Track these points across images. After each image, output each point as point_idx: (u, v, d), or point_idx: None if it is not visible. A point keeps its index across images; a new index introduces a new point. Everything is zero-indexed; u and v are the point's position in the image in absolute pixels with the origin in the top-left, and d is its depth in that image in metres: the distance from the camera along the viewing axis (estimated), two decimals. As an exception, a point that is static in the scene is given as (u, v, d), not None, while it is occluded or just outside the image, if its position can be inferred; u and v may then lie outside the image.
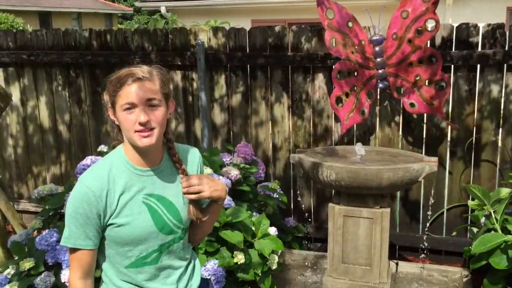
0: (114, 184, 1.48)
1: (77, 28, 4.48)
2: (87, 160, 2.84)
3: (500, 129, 3.22)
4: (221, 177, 2.90)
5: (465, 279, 2.80)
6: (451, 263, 3.40)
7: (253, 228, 2.69)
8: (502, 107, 3.20)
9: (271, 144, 3.73)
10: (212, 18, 7.80)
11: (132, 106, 1.42)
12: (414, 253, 3.54)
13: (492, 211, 2.54)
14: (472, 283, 2.76)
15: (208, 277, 2.39)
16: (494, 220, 2.51)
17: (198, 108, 3.80)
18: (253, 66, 3.66)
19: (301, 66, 3.53)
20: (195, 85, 3.82)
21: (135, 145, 1.49)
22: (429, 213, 3.30)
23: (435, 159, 2.63)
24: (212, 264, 2.44)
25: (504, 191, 2.59)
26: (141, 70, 1.46)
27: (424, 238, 3.42)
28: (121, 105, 1.43)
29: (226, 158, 3.22)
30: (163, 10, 10.19)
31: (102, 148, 3.26)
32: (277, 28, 3.55)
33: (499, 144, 3.25)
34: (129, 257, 1.52)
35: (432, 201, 3.25)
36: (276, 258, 2.69)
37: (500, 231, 2.48)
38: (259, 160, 3.55)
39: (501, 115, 3.21)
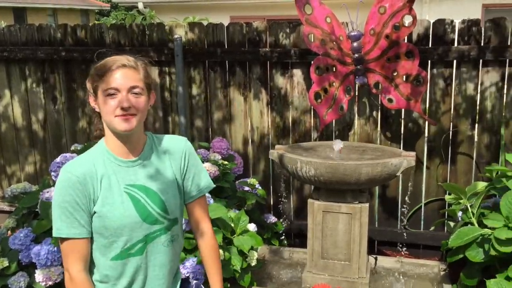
0: (97, 173, 1.49)
1: (52, 24, 4.38)
2: (62, 157, 2.78)
3: (476, 125, 3.26)
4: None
5: (442, 273, 2.83)
6: (429, 257, 3.43)
7: (232, 225, 2.67)
8: (478, 103, 3.24)
9: (250, 140, 3.71)
10: (191, 14, 7.71)
11: (115, 92, 1.44)
12: (393, 248, 3.57)
13: (468, 205, 2.57)
14: (450, 276, 2.79)
15: (187, 275, 2.36)
16: (471, 214, 2.54)
17: (176, 104, 3.76)
18: (231, 62, 3.63)
19: (280, 62, 3.52)
20: (172, 81, 3.78)
21: (114, 131, 1.49)
22: (405, 206, 3.33)
23: (412, 153, 2.65)
24: (191, 262, 2.41)
25: (480, 185, 2.62)
26: (127, 58, 1.49)
27: (404, 234, 3.44)
28: (104, 89, 1.45)
29: (203, 154, 3.18)
30: (140, 6, 10.07)
31: (76, 146, 3.20)
32: (255, 24, 3.53)
33: (475, 139, 3.29)
34: (114, 248, 1.51)
35: (409, 196, 3.28)
36: (256, 254, 2.67)
37: (476, 225, 2.51)
38: (236, 155, 3.52)
39: (477, 111, 3.25)
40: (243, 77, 3.64)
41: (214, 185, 1.74)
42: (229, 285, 2.67)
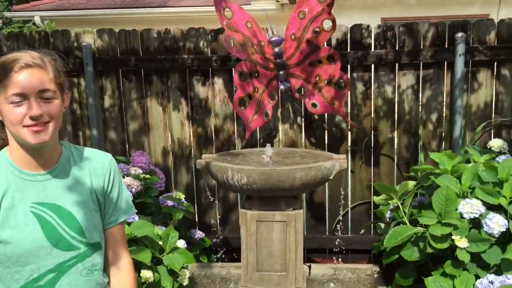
0: None
1: None
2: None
3: (396, 127, 3.33)
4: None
5: (376, 275, 2.81)
6: (358, 261, 3.43)
7: (161, 243, 2.46)
8: (396, 105, 3.31)
9: (171, 152, 3.51)
10: (95, 28, 7.34)
11: (21, 98, 1.18)
12: (322, 255, 3.53)
13: (400, 204, 2.58)
14: (384, 278, 2.79)
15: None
16: (403, 213, 2.55)
17: (87, 117, 3.46)
18: (147, 70, 3.42)
19: (200, 69, 3.37)
20: (82, 92, 3.47)
21: (23, 144, 1.23)
22: (339, 211, 3.31)
23: (343, 156, 2.62)
24: (117, 286, 2.16)
25: (410, 184, 2.65)
26: (31, 55, 1.22)
27: (333, 240, 3.42)
28: (6, 96, 1.19)
29: (122, 169, 2.93)
30: (37, 20, 9.39)
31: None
32: (172, 30, 3.36)
33: (396, 141, 3.36)
34: (17, 280, 1.24)
35: (338, 200, 3.27)
36: (187, 273, 2.48)
37: (408, 224, 2.52)
38: (158, 170, 3.31)
39: (396, 113, 3.32)
40: (161, 86, 3.44)
41: (135, 210, 1.52)
42: (159, 309, 2.44)
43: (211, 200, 3.50)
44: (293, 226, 2.55)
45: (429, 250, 2.26)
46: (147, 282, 2.21)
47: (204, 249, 3.29)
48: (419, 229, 2.42)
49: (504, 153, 2.86)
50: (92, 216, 1.33)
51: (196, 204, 3.52)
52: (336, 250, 3.41)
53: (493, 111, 3.25)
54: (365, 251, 3.46)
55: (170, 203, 3.05)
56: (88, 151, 1.40)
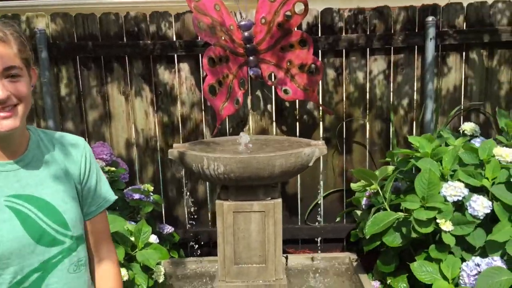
0: None
1: None
2: None
3: (368, 113, 3.29)
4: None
5: (355, 263, 2.75)
6: (332, 250, 3.37)
7: (132, 238, 2.29)
8: (368, 91, 3.26)
9: (134, 143, 3.31)
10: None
11: None
12: (295, 245, 3.45)
13: (379, 189, 2.52)
14: (363, 266, 2.73)
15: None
16: (383, 198, 2.49)
17: (42, 107, 3.21)
18: (108, 57, 3.21)
19: (164, 55, 3.19)
20: (36, 81, 3.22)
21: None
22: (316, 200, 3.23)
23: (321, 142, 2.53)
24: (88, 287, 1.98)
25: (390, 169, 2.60)
26: None
27: (306, 229, 3.34)
28: None
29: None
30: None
31: None
32: (133, 13, 3.16)
33: (367, 128, 3.31)
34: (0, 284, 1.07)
35: (312, 189, 3.18)
36: (162, 269, 2.32)
37: (388, 209, 2.46)
38: (120, 161, 3.10)
39: (368, 99, 3.27)
40: (122, 73, 3.23)
41: (116, 197, 1.36)
42: (132, 310, 2.27)
43: (180, 192, 3.34)
44: (272, 216, 2.45)
45: (414, 235, 2.21)
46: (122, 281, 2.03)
47: (174, 244, 3.13)
48: (401, 214, 2.37)
49: (477, 136, 2.86)
50: (73, 206, 1.18)
51: (163, 198, 3.35)
52: (308, 240, 3.35)
53: (463, 95, 3.26)
54: (338, 239, 3.41)
55: (136, 196, 2.87)
56: (58, 136, 1.24)
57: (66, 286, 1.16)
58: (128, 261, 2.21)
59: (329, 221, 3.39)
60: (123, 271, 2.04)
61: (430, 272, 2.14)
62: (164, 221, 3.36)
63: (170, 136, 3.30)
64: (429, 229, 2.18)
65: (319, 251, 3.27)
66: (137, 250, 2.25)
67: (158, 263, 2.35)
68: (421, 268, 2.17)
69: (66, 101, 3.26)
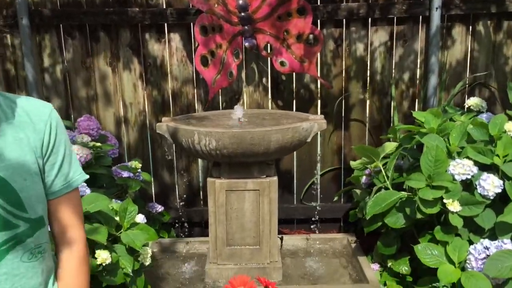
0: None
1: None
2: None
3: (368, 88, 3.13)
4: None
5: (353, 245, 2.63)
6: (328, 231, 3.25)
7: (117, 218, 2.13)
8: (368, 64, 3.10)
9: (123, 119, 3.14)
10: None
11: None
12: (290, 225, 3.32)
13: (382, 168, 2.37)
14: (361, 247, 2.60)
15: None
16: (385, 177, 2.35)
17: (24, 79, 3.03)
18: (93, 25, 3.01)
19: (154, 24, 2.99)
20: (16, 50, 3.02)
21: None
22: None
23: (320, 116, 2.37)
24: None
25: (392, 145, 2.45)
26: None
27: (301, 209, 3.21)
28: None
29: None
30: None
31: None
32: (120, -21, 2.96)
33: (367, 102, 3.15)
34: None
35: (308, 167, 3.04)
36: (149, 251, 2.18)
37: (391, 188, 2.32)
38: (109, 134, 2.93)
39: (368, 73, 3.11)
40: (109, 43, 3.04)
41: (87, 176, 1.20)
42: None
43: (171, 170, 3.19)
44: (267, 195, 2.30)
45: (419, 216, 2.07)
46: (103, 264, 1.89)
47: (164, 224, 2.99)
48: (404, 194, 2.23)
49: (483, 112, 2.71)
50: (33, 183, 1.01)
51: (153, 176, 3.20)
52: (302, 220, 3.22)
53: (468, 70, 3.10)
54: (335, 219, 3.28)
55: (125, 174, 2.71)
56: (20, 101, 1.07)
57: (17, 278, 1.00)
58: (112, 242, 2.06)
59: (326, 201, 3.26)
60: (105, 254, 1.89)
61: (435, 255, 2.01)
62: (154, 200, 3.22)
63: (160, 110, 3.12)
64: (435, 210, 2.04)
65: (316, 231, 3.15)
66: (122, 230, 2.10)
67: (145, 245, 2.21)
68: (425, 251, 2.04)
69: (50, 72, 3.07)
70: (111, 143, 2.84)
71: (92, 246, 1.96)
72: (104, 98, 3.10)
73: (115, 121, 3.14)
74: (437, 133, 2.30)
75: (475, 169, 2.06)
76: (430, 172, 2.10)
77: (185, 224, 3.18)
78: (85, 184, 2.12)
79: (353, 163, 2.67)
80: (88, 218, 2.02)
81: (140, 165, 2.71)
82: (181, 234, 3.17)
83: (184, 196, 3.23)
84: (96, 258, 1.90)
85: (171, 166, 3.20)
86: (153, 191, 3.23)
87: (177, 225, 3.19)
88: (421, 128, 2.33)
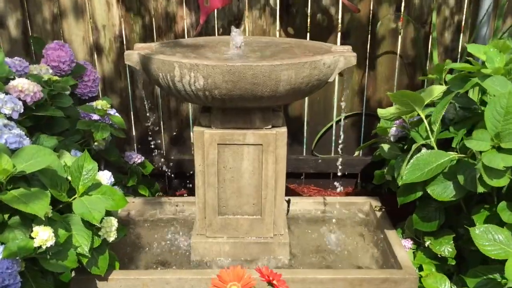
0: None
1: None
2: None
3: (402, 13, 2.48)
4: (4, 95, 1.68)
5: (379, 213, 2.09)
6: (343, 187, 2.73)
7: (70, 178, 1.58)
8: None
9: (94, 46, 2.52)
10: None
11: None
12: (297, 180, 2.79)
13: (425, 119, 1.79)
14: (389, 217, 2.07)
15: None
16: (429, 132, 1.77)
17: (-32, -8, 2.38)
18: None
19: None
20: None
21: None
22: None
23: (348, 48, 1.75)
24: (-8, 256, 1.31)
25: (440, 89, 1.85)
26: None
27: (317, 162, 2.66)
28: None
29: (17, 67, 1.96)
30: None
31: None
32: None
33: (400, 32, 2.52)
34: None
35: (326, 111, 2.46)
36: (115, 223, 1.64)
37: (436, 148, 1.75)
38: (89, 65, 2.32)
39: (403, -5, 2.45)
40: None
41: None
42: (73, 275, 1.64)
43: (154, 109, 2.61)
44: (272, 152, 1.73)
45: (481, 189, 1.51)
46: (43, 246, 1.36)
47: (144, 177, 2.45)
48: (454, 156, 1.67)
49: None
50: None
51: (133, 119, 2.63)
52: (315, 174, 2.69)
53: (532, -7, 2.44)
54: (350, 175, 2.74)
55: (95, 116, 2.14)
56: None
57: None
58: (61, 213, 1.52)
59: (342, 153, 2.71)
60: (45, 232, 1.35)
61: (500, 242, 1.48)
62: (135, 149, 2.67)
63: (141, 36, 2.50)
64: (504, 181, 1.48)
65: (329, 192, 2.62)
66: (76, 196, 1.56)
67: (112, 214, 1.67)
68: (485, 236, 1.49)
69: (1, -15, 2.42)
70: (87, 79, 2.25)
71: (30, 220, 1.43)
72: (70, 19, 2.47)
73: (86, 49, 2.52)
74: (504, 75, 1.69)
75: None
76: (498, 129, 1.52)
77: (173, 177, 2.65)
78: (22, 133, 1.55)
79: (381, 111, 2.07)
80: (26, 181, 1.47)
81: (109, 105, 2.12)
82: (169, 191, 2.65)
83: (172, 141, 2.67)
84: (32, 238, 1.37)
85: (157, 105, 2.62)
86: (133, 136, 2.67)
87: (162, 179, 2.66)
88: (482, 67, 1.72)
